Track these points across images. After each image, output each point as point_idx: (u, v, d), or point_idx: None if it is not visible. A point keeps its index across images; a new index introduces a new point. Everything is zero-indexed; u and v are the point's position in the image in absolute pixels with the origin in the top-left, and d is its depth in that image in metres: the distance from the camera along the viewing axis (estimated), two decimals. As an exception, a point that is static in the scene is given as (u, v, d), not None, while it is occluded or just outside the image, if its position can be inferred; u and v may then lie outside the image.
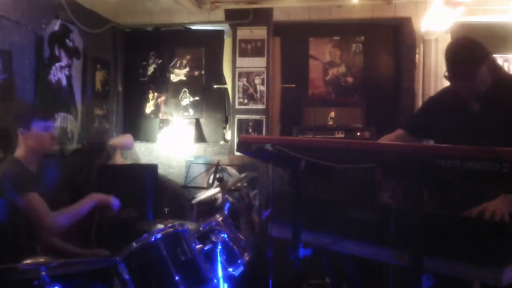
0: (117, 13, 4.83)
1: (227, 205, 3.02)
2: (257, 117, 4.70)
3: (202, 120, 5.04)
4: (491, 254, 1.40)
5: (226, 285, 2.47)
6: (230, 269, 2.50)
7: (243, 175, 3.70)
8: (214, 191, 3.37)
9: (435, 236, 1.49)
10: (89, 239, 3.70)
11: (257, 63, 4.70)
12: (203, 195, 3.46)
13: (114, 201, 2.83)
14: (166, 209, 3.37)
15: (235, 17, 4.72)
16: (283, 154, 1.72)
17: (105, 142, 4.67)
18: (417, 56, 4.58)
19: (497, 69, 2.24)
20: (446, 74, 2.22)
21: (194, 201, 3.57)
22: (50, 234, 2.56)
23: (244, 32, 4.71)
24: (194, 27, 5.02)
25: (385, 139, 2.52)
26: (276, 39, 4.85)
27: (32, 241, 2.52)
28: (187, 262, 2.20)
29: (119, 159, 4.56)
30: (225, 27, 4.90)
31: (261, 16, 4.67)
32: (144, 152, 4.93)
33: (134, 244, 2.16)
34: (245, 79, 4.72)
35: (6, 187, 2.47)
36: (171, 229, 2.27)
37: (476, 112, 2.23)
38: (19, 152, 2.65)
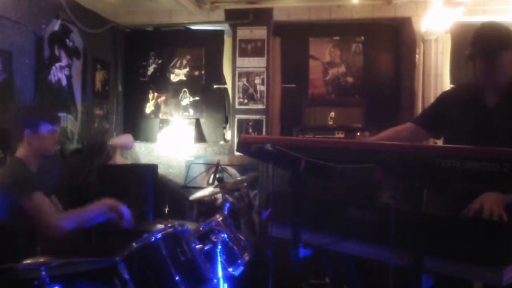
0: (117, 13, 4.83)
1: (227, 205, 3.01)
2: (257, 117, 4.70)
3: (202, 120, 5.04)
4: (491, 254, 1.40)
5: (226, 285, 2.47)
6: (230, 269, 2.50)
7: (243, 177, 3.70)
8: (212, 189, 3.38)
9: (435, 236, 1.49)
10: (90, 237, 3.70)
11: (257, 63, 4.70)
12: (201, 192, 3.47)
13: (125, 210, 2.56)
14: (166, 209, 3.38)
15: (235, 17, 4.72)
16: (283, 154, 1.72)
17: (105, 142, 4.67)
18: (417, 56, 4.58)
19: None
20: (468, 52, 2.14)
21: (191, 197, 3.58)
22: (54, 235, 2.53)
23: (244, 32, 4.71)
24: (194, 27, 5.02)
25: (392, 131, 2.48)
26: (276, 39, 4.85)
27: (32, 241, 2.52)
28: (187, 262, 2.20)
29: (119, 159, 4.56)
30: (225, 27, 4.90)
31: (261, 16, 4.67)
32: (144, 152, 4.93)
33: (134, 244, 2.15)
34: (245, 79, 4.72)
35: (10, 187, 2.48)
36: (171, 229, 2.26)
37: (490, 108, 2.20)
38: (21, 152, 2.64)
